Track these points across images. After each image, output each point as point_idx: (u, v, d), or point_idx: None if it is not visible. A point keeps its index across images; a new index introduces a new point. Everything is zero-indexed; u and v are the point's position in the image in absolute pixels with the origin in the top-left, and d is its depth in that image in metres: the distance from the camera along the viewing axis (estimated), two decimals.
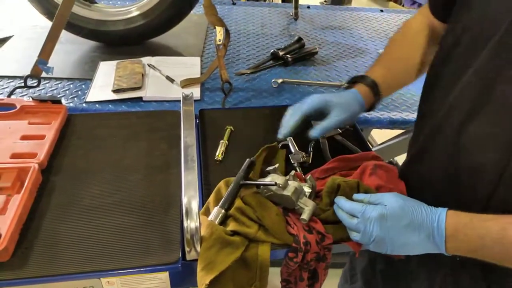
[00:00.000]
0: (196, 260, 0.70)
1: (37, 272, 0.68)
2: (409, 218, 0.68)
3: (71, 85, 1.27)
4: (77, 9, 1.40)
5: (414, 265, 0.88)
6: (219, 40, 1.19)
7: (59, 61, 1.34)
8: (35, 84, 1.19)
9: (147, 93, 1.22)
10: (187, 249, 0.70)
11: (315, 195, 0.83)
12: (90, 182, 0.86)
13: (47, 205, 0.80)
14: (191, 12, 1.45)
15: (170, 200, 0.82)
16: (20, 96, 1.21)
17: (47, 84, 1.27)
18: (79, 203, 0.81)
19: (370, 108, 0.93)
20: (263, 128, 1.08)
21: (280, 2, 3.06)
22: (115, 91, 1.22)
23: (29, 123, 0.97)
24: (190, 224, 0.68)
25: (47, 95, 1.22)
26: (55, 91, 1.24)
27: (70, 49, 1.46)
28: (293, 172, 0.83)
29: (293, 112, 0.88)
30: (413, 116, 1.21)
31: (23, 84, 1.17)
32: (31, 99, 1.02)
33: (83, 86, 1.27)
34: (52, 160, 0.90)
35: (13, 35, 1.52)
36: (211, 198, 0.81)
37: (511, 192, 0.66)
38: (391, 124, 1.20)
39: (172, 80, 1.28)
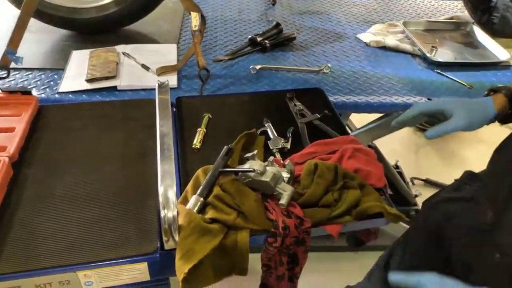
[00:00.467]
0: (175, 249, 0.70)
1: (9, 268, 0.66)
2: None
3: (43, 76, 1.23)
4: None
5: None
6: (195, 26, 1.16)
7: (30, 51, 1.29)
8: (4, 75, 1.15)
9: (121, 82, 1.19)
10: (164, 238, 0.69)
11: (293, 180, 0.83)
12: (65, 174, 0.84)
13: (19, 199, 0.78)
14: None
15: (147, 190, 0.81)
16: None
17: (17, 75, 1.23)
18: (53, 196, 0.79)
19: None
20: (241, 115, 1.07)
21: None
22: (89, 80, 1.18)
23: None
24: (168, 213, 0.67)
25: (17, 86, 1.18)
26: (25, 82, 1.20)
27: (41, 38, 1.41)
28: (271, 158, 0.83)
29: (415, 106, 0.92)
30: (390, 99, 1.22)
31: None
32: (0, 91, 0.98)
33: (55, 76, 1.23)
34: (24, 152, 0.88)
35: None
36: (189, 187, 0.80)
37: None
38: (369, 108, 1.21)
39: (147, 68, 1.25)
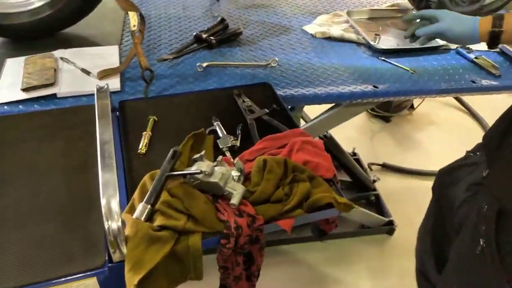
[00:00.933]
0: (124, 261, 0.67)
1: None
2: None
3: None
4: None
5: None
6: (134, 26, 1.12)
7: None
8: None
9: (61, 89, 1.13)
10: (111, 250, 0.66)
11: (244, 178, 0.82)
12: (2, 192, 0.79)
13: None
14: None
15: (91, 201, 0.77)
16: None
17: None
18: None
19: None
20: (189, 115, 1.04)
21: None
22: (25, 89, 1.11)
23: None
24: (112, 224, 0.64)
25: None
26: None
27: None
28: (220, 157, 0.82)
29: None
30: (337, 89, 1.23)
31: None
32: None
33: None
34: None
35: None
36: (136, 194, 0.77)
37: None
38: (317, 99, 1.21)
39: (88, 73, 1.20)
